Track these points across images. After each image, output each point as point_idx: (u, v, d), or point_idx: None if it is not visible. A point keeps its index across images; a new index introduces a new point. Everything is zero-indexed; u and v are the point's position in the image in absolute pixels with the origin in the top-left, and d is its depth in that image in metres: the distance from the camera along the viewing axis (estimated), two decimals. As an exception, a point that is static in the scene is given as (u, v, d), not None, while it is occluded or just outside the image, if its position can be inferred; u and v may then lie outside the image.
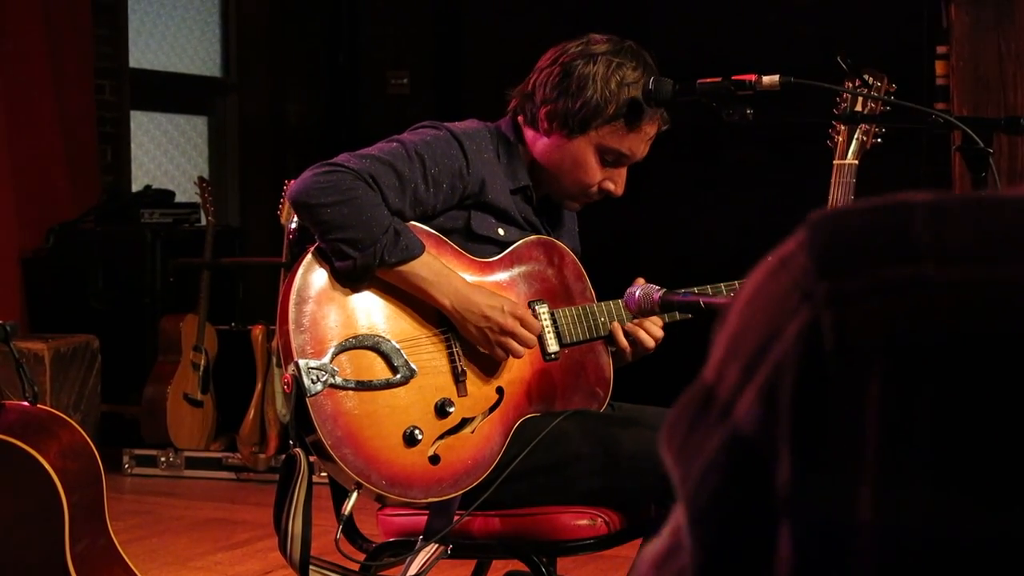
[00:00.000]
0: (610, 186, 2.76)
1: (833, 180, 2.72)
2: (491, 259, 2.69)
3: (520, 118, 2.76)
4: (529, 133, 2.75)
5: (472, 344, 2.62)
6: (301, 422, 2.47)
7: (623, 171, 2.76)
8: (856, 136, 2.69)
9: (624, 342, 2.70)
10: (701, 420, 0.65)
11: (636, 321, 2.70)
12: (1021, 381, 0.57)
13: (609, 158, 2.73)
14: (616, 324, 2.71)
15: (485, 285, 2.66)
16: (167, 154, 7.71)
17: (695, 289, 2.72)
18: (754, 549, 0.62)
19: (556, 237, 2.81)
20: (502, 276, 2.70)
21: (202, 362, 6.22)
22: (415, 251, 2.55)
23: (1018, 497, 0.57)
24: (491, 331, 2.59)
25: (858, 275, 0.61)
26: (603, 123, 2.68)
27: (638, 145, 2.73)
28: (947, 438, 0.58)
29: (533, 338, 2.64)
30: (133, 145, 7.37)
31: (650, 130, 2.72)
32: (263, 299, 6.52)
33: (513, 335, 2.61)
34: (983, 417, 0.57)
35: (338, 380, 2.49)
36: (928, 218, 0.61)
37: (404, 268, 2.55)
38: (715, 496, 0.64)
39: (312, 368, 2.46)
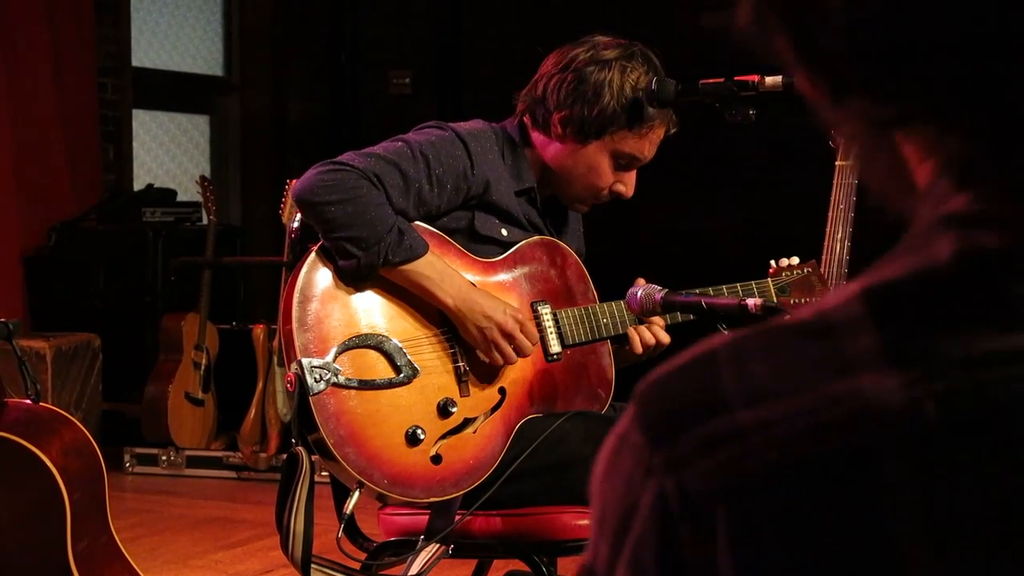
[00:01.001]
0: (621, 188, 2.77)
1: (835, 181, 2.72)
2: (494, 259, 2.69)
3: (528, 121, 2.76)
4: (540, 137, 2.75)
5: (472, 345, 2.62)
6: (304, 421, 2.47)
7: (633, 173, 2.78)
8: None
9: (639, 347, 2.71)
10: None
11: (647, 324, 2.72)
12: (852, 495, 0.62)
13: (622, 162, 2.74)
14: (635, 329, 2.72)
15: (488, 286, 2.66)
16: (169, 153, 7.71)
17: (697, 290, 2.72)
18: None
19: (560, 238, 2.82)
20: (505, 276, 2.70)
21: (203, 361, 6.22)
22: (419, 250, 2.56)
23: None
24: (491, 332, 2.59)
25: (684, 440, 0.65)
26: (618, 128, 2.69)
27: (650, 148, 2.74)
28: (795, 568, 0.62)
29: (531, 345, 2.64)
30: (135, 144, 7.38)
31: (661, 132, 2.73)
32: (264, 298, 6.53)
33: (512, 339, 2.61)
34: (827, 541, 0.62)
35: (341, 379, 2.49)
36: (729, 366, 0.66)
37: (407, 267, 2.55)
38: None
39: (315, 367, 2.47)
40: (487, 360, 2.62)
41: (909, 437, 0.61)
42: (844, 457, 0.62)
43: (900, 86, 0.67)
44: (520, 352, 2.63)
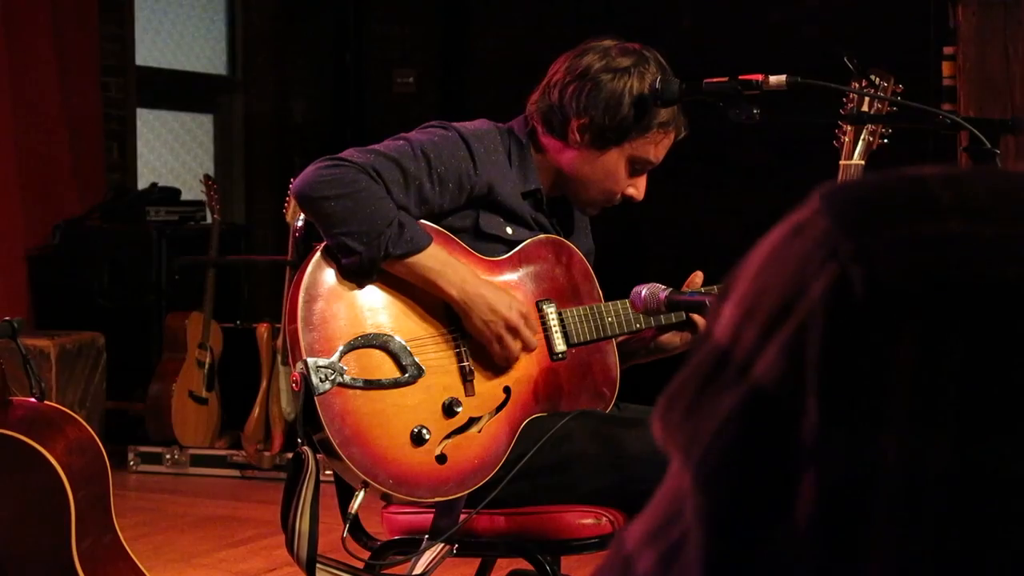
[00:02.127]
0: (633, 192, 2.78)
1: (839, 181, 2.72)
2: (499, 258, 2.70)
3: (540, 127, 2.75)
4: (554, 143, 2.74)
5: (477, 341, 2.62)
6: (309, 420, 2.47)
7: (644, 176, 2.78)
8: (863, 136, 2.69)
9: (673, 342, 2.76)
10: (713, 382, 0.65)
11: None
12: None
13: (637, 167, 2.74)
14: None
15: (492, 284, 2.66)
16: (173, 152, 7.72)
17: (701, 289, 2.72)
18: (773, 502, 0.62)
19: (569, 239, 2.82)
20: (510, 275, 2.70)
21: (207, 360, 6.23)
22: (421, 243, 2.56)
23: None
24: (495, 325, 2.60)
25: (885, 232, 0.61)
26: (637, 135, 2.69)
27: (663, 152, 2.75)
28: (976, 388, 0.58)
29: (535, 340, 2.65)
30: (139, 143, 7.38)
31: (673, 136, 2.74)
32: (268, 297, 6.54)
33: (517, 333, 2.61)
34: (1010, 369, 0.58)
35: (346, 379, 2.49)
36: (943, 182, 0.62)
37: (411, 260, 2.55)
38: (731, 453, 0.64)
39: (321, 366, 2.47)
40: (491, 353, 2.62)
41: None
42: None
43: None
44: (526, 344, 2.63)
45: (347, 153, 2.56)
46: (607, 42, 2.72)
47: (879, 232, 0.61)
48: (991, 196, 0.61)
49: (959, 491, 0.58)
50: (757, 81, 2.57)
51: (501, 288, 2.65)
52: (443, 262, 2.58)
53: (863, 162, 2.70)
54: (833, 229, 0.62)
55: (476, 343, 2.63)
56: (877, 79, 2.70)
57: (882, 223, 0.61)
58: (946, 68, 4.56)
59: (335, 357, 2.49)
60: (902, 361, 0.59)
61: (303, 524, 2.49)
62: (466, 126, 2.70)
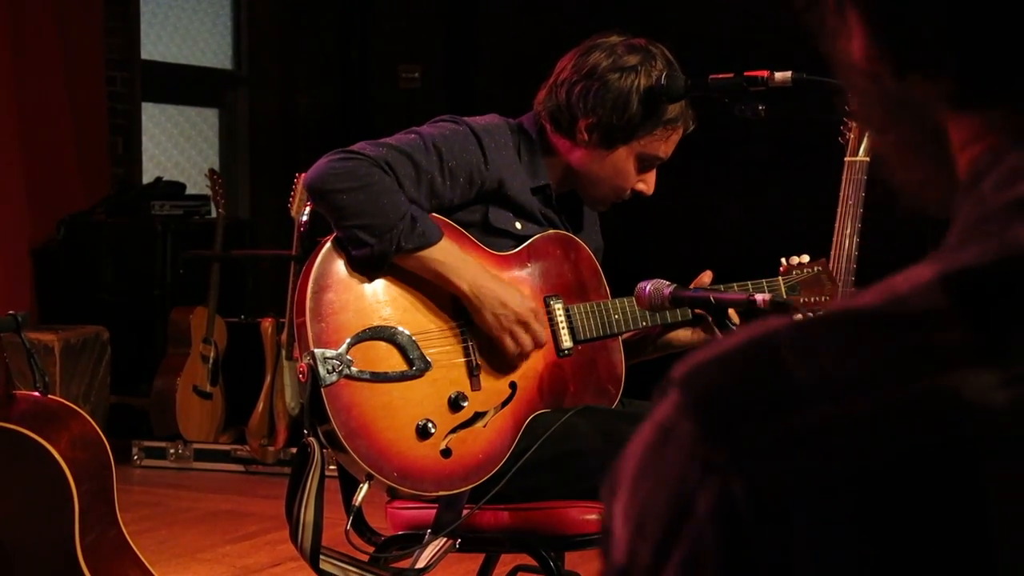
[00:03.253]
0: (643, 187, 2.79)
1: (844, 177, 2.72)
2: (508, 252, 2.70)
3: (549, 125, 2.75)
4: (563, 142, 2.74)
5: (485, 335, 2.62)
6: (316, 412, 2.48)
7: (654, 172, 2.79)
8: (867, 133, 2.69)
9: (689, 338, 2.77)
10: None
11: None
12: (946, 497, 0.57)
13: (646, 163, 2.75)
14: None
15: (501, 278, 2.66)
16: (178, 146, 7.72)
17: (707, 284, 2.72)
18: None
19: (578, 235, 2.82)
20: (518, 270, 2.70)
21: (211, 354, 6.23)
22: (432, 237, 2.56)
23: None
24: (506, 319, 2.60)
25: (751, 434, 0.59)
26: (645, 133, 2.70)
27: (672, 147, 2.75)
28: (886, 568, 0.58)
29: (545, 334, 2.65)
30: (144, 137, 7.39)
31: (681, 132, 2.74)
32: (273, 292, 6.54)
33: (527, 327, 2.62)
34: (919, 544, 0.57)
35: (353, 371, 2.49)
36: (796, 356, 0.60)
37: (422, 254, 2.55)
38: None
39: (328, 358, 2.47)
40: (501, 347, 2.62)
41: (1012, 439, 0.57)
42: (942, 459, 0.57)
43: (1000, 66, 0.63)
44: (536, 339, 2.63)
45: (359, 146, 2.56)
46: (613, 39, 2.72)
47: (748, 435, 0.60)
48: (851, 367, 0.59)
49: None
50: (762, 77, 2.57)
51: (511, 283, 2.65)
52: (454, 256, 2.58)
53: (868, 159, 2.70)
54: (701, 435, 0.61)
55: (483, 338, 2.63)
56: (883, 75, 2.69)
57: (749, 424, 0.60)
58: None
59: (342, 349, 2.49)
60: (800, 565, 0.58)
61: (307, 515, 2.49)
62: (477, 121, 2.70)
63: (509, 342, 2.61)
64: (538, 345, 2.65)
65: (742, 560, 0.59)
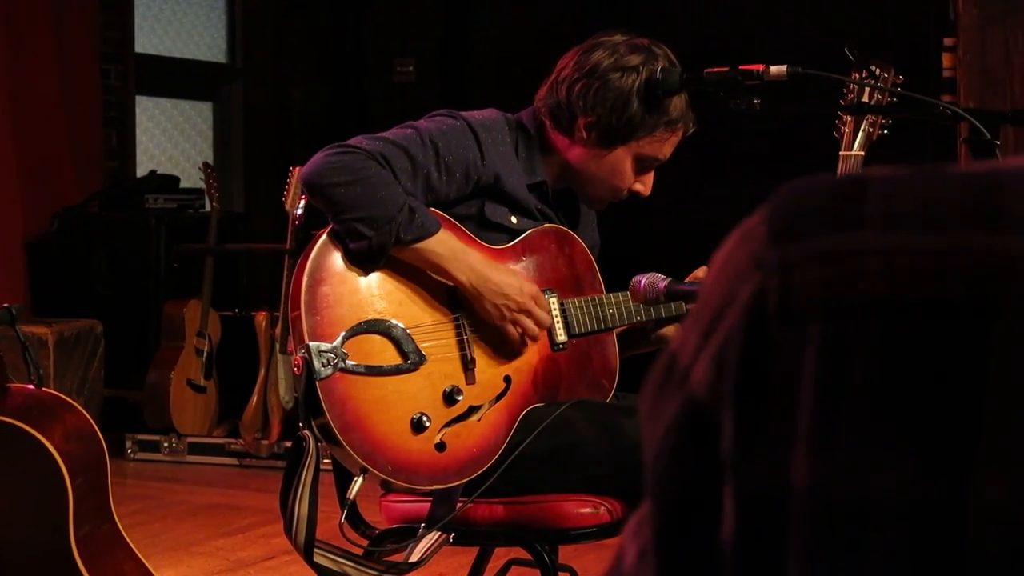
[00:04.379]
0: (640, 188, 2.78)
1: (839, 171, 2.72)
2: (503, 246, 2.70)
3: (548, 122, 2.75)
4: (562, 139, 2.74)
5: (483, 328, 2.62)
6: (310, 405, 2.47)
7: (651, 173, 2.79)
8: (863, 127, 2.69)
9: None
10: (665, 386, 0.68)
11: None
12: (951, 344, 0.59)
13: (645, 164, 2.75)
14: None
15: (501, 268, 2.66)
16: (172, 140, 7.71)
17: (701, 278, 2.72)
18: (706, 511, 0.64)
19: (575, 231, 2.82)
20: (513, 264, 2.70)
21: (205, 348, 6.23)
22: (431, 228, 2.56)
23: (950, 460, 0.58)
24: (508, 309, 2.60)
25: (803, 242, 0.63)
26: (645, 134, 2.70)
27: (671, 149, 2.75)
28: (880, 402, 0.59)
29: (547, 318, 2.65)
30: (138, 130, 7.38)
31: (680, 134, 2.74)
32: (267, 285, 6.53)
33: (529, 314, 2.62)
34: (914, 382, 0.59)
35: (348, 364, 2.49)
36: (880, 189, 0.63)
37: (420, 246, 2.55)
38: (672, 458, 0.66)
39: (323, 351, 2.47)
40: (505, 336, 2.62)
41: None
42: (960, 309, 0.59)
43: None
44: (539, 324, 2.63)
45: (356, 140, 2.56)
46: (617, 37, 2.71)
47: (800, 243, 0.63)
48: (922, 205, 0.62)
49: (864, 516, 0.59)
50: (758, 71, 2.57)
51: (510, 271, 2.65)
52: (452, 248, 2.58)
53: (863, 153, 2.70)
54: (765, 237, 0.65)
55: (479, 331, 2.63)
56: (877, 70, 2.70)
57: (806, 233, 0.63)
58: (946, 59, 4.55)
59: (337, 342, 2.49)
60: (807, 374, 0.61)
61: (302, 508, 2.49)
62: (474, 116, 2.69)
63: (512, 330, 2.62)
64: (542, 327, 2.65)
65: (758, 354, 0.62)
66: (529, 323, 2.63)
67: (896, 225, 0.61)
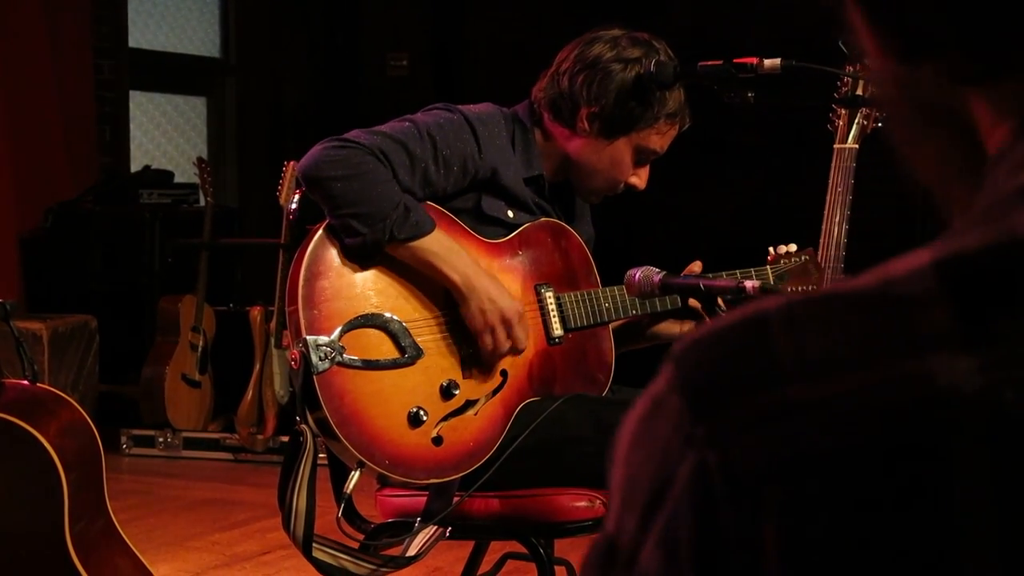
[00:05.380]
0: (636, 181, 2.79)
1: (833, 164, 2.72)
2: (499, 240, 2.70)
3: (548, 114, 2.75)
4: (562, 131, 2.75)
5: (468, 325, 2.62)
6: (308, 399, 2.47)
7: (648, 166, 2.79)
8: (857, 120, 2.69)
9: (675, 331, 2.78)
10: (607, 570, 0.66)
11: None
12: (899, 482, 0.57)
13: (643, 157, 2.75)
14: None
15: (493, 267, 2.66)
16: (166, 135, 7.70)
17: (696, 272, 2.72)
18: None
19: (571, 225, 2.82)
20: (509, 258, 2.70)
21: (200, 343, 6.22)
22: (425, 227, 2.56)
23: None
24: (491, 315, 2.59)
25: (730, 411, 0.60)
26: (645, 126, 2.70)
27: (668, 143, 2.76)
28: (844, 557, 0.58)
29: (525, 340, 2.65)
30: (132, 125, 7.37)
31: (677, 127, 2.75)
32: (261, 280, 6.53)
33: (510, 327, 2.61)
34: (880, 527, 0.58)
35: (345, 358, 2.49)
36: (784, 333, 0.61)
37: (414, 244, 2.55)
38: None
39: (320, 345, 2.47)
40: (478, 343, 2.62)
41: (983, 427, 0.56)
42: (911, 444, 0.57)
43: (999, 33, 0.63)
44: (515, 341, 2.62)
45: (353, 134, 2.55)
46: (616, 31, 2.72)
47: (727, 411, 0.61)
48: (832, 347, 0.60)
49: None
50: (751, 64, 2.57)
51: (500, 276, 2.65)
52: (446, 248, 2.58)
53: (857, 146, 2.70)
54: (684, 409, 0.62)
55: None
56: (872, 63, 2.69)
57: (727, 400, 0.61)
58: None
59: (335, 336, 2.49)
60: (768, 543, 0.59)
61: (300, 502, 2.49)
62: (471, 109, 2.70)
63: (487, 339, 2.60)
64: (516, 350, 2.64)
65: (714, 533, 0.60)
66: (503, 338, 2.61)
67: (817, 372, 0.59)
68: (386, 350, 2.54)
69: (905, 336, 0.58)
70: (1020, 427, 0.56)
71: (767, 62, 2.56)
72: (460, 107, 2.69)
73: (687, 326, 2.80)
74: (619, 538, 0.65)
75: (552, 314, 2.72)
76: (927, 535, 0.57)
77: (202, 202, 6.53)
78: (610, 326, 2.78)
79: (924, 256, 0.60)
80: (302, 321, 2.48)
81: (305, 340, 2.46)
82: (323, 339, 2.48)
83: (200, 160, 6.49)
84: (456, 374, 2.60)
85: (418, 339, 2.57)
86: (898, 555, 0.57)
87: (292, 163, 5.39)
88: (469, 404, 2.60)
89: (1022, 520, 0.56)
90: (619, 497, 0.66)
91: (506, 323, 2.60)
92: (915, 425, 0.57)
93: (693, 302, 2.70)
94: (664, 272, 2.47)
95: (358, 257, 2.56)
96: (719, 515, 0.60)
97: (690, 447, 0.61)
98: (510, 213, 2.71)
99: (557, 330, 2.72)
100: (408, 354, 2.55)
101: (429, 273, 2.59)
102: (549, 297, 2.72)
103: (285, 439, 4.24)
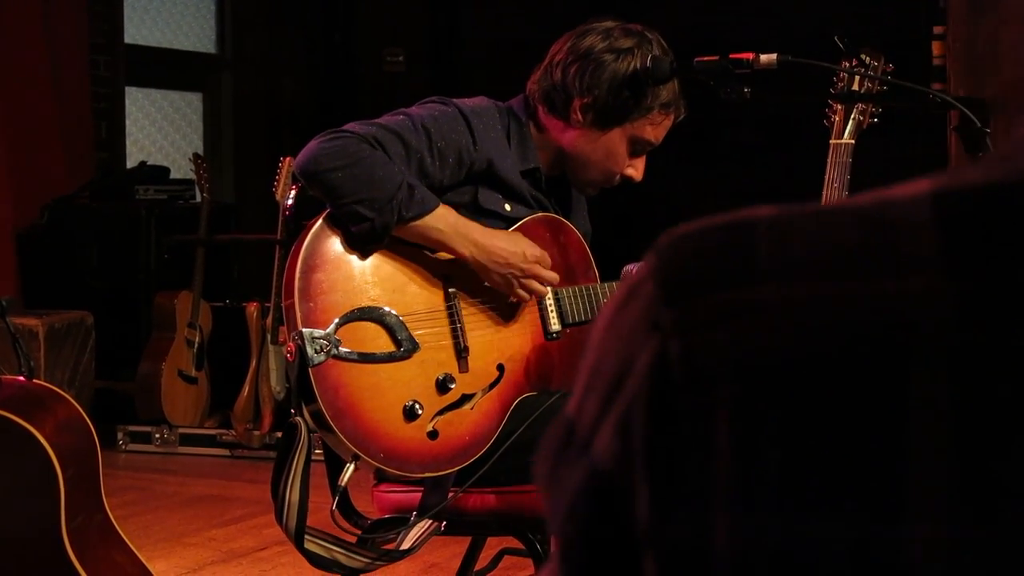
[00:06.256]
0: (632, 172, 2.79)
1: (830, 160, 2.72)
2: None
3: (542, 106, 2.75)
4: (556, 123, 2.75)
5: (477, 315, 2.62)
6: (303, 391, 2.47)
7: (643, 158, 2.79)
8: (853, 115, 2.69)
9: None
10: (564, 454, 0.66)
11: None
12: (859, 393, 0.57)
13: (637, 148, 2.75)
14: None
15: (501, 233, 2.66)
16: (162, 130, 7.70)
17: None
18: None
19: (567, 218, 2.82)
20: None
21: (196, 339, 6.22)
22: (430, 204, 2.56)
23: (878, 507, 0.57)
24: (514, 276, 2.62)
25: (701, 301, 0.60)
26: (639, 116, 2.70)
27: (663, 133, 2.76)
28: (796, 458, 0.58)
29: (555, 276, 2.67)
30: (128, 121, 7.36)
31: (672, 118, 2.75)
32: (258, 276, 6.53)
33: (537, 277, 2.64)
34: (833, 434, 0.58)
35: (341, 351, 2.49)
36: (769, 236, 0.61)
37: (420, 223, 2.55)
38: (581, 529, 0.64)
39: (316, 338, 2.47)
40: (514, 300, 2.64)
41: (945, 358, 0.57)
42: (873, 362, 0.57)
43: None
44: (548, 283, 2.67)
45: (348, 126, 2.56)
46: (608, 23, 2.72)
47: (695, 301, 0.61)
48: (814, 253, 0.60)
49: (790, 572, 0.58)
50: (747, 60, 2.57)
51: (510, 237, 2.65)
52: (452, 223, 2.58)
53: (853, 141, 2.70)
54: (657, 296, 0.62)
55: (473, 319, 2.63)
56: (867, 58, 2.70)
57: (700, 291, 0.61)
58: (936, 47, 4.56)
59: (331, 329, 2.49)
60: (720, 437, 0.59)
61: (293, 495, 2.49)
62: (465, 102, 2.70)
63: (523, 295, 2.65)
64: (553, 284, 2.68)
65: (666, 421, 0.60)
66: (537, 285, 2.65)
67: (794, 275, 0.59)
68: (382, 343, 2.54)
69: (890, 255, 0.59)
70: (984, 363, 0.56)
71: (763, 57, 2.56)
72: (455, 100, 2.69)
73: None
74: (579, 420, 0.65)
75: (550, 309, 2.72)
76: (878, 454, 0.57)
77: (198, 198, 6.53)
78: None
79: (925, 184, 0.60)
80: (298, 314, 2.48)
81: (301, 332, 2.46)
82: (319, 332, 2.47)
83: (196, 156, 6.49)
84: (452, 368, 2.60)
85: (414, 332, 2.57)
86: (847, 468, 0.57)
87: (288, 159, 5.39)
88: (465, 398, 2.60)
89: (973, 451, 0.56)
90: (584, 379, 0.65)
91: (532, 276, 2.63)
92: (881, 343, 0.57)
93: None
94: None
95: (363, 246, 2.55)
96: (674, 404, 0.60)
97: (655, 332, 0.61)
98: (507, 206, 2.71)
99: (555, 325, 2.72)
100: (404, 347, 2.55)
101: (438, 250, 2.59)
102: (548, 292, 2.72)
103: (282, 433, 4.24)
